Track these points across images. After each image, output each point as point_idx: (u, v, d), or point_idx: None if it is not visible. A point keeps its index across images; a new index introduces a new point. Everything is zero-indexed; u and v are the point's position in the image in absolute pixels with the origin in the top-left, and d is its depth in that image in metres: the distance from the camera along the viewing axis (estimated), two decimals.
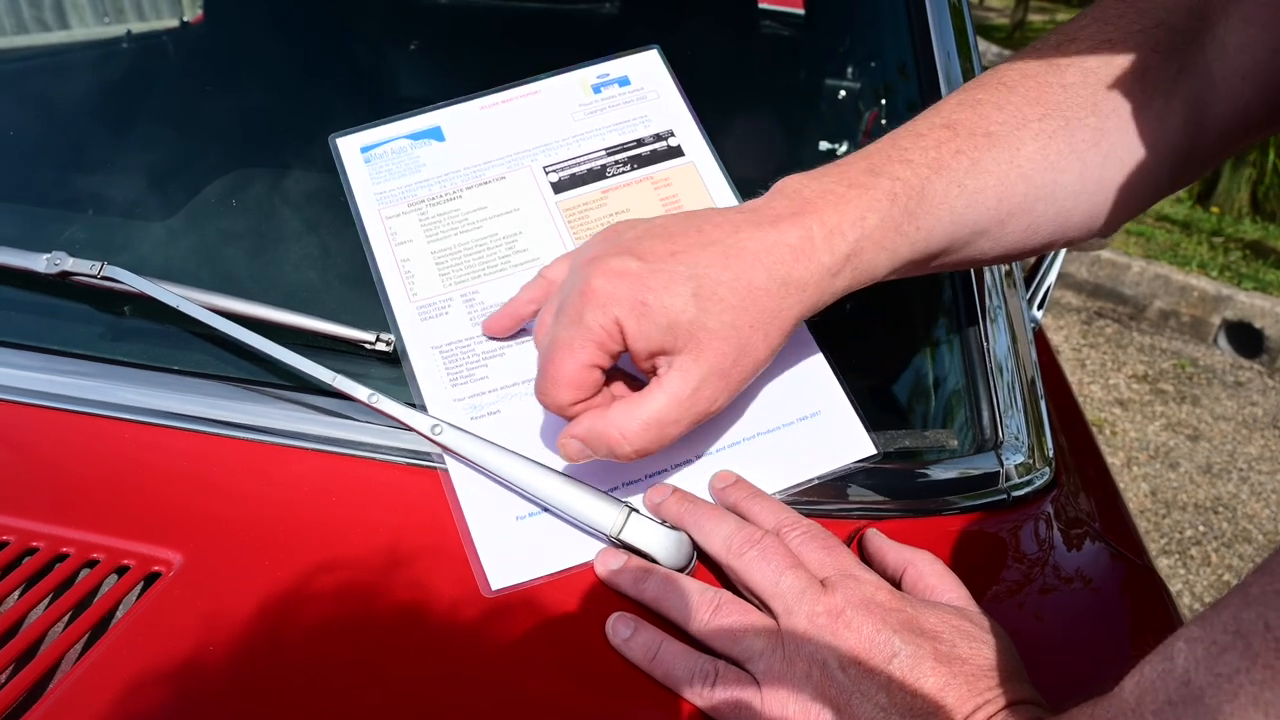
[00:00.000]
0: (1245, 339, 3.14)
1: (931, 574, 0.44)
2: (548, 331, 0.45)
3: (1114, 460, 2.51)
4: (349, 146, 0.61)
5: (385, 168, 0.60)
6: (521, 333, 0.54)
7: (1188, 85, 0.47)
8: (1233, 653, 0.25)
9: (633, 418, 0.43)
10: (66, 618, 0.43)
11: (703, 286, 0.42)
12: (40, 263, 0.57)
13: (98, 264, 0.57)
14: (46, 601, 0.43)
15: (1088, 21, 0.50)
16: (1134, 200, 0.50)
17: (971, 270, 0.63)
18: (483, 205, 0.58)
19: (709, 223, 0.45)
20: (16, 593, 0.43)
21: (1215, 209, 4.12)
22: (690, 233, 0.44)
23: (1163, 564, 2.14)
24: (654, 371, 0.44)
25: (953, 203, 0.47)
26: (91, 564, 0.45)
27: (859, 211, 0.45)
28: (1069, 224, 0.50)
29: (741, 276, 0.43)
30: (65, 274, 0.57)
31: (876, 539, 0.47)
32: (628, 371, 0.48)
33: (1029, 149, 0.47)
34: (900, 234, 0.46)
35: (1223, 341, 3.19)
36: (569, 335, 0.43)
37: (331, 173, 0.60)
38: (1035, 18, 7.85)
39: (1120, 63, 0.47)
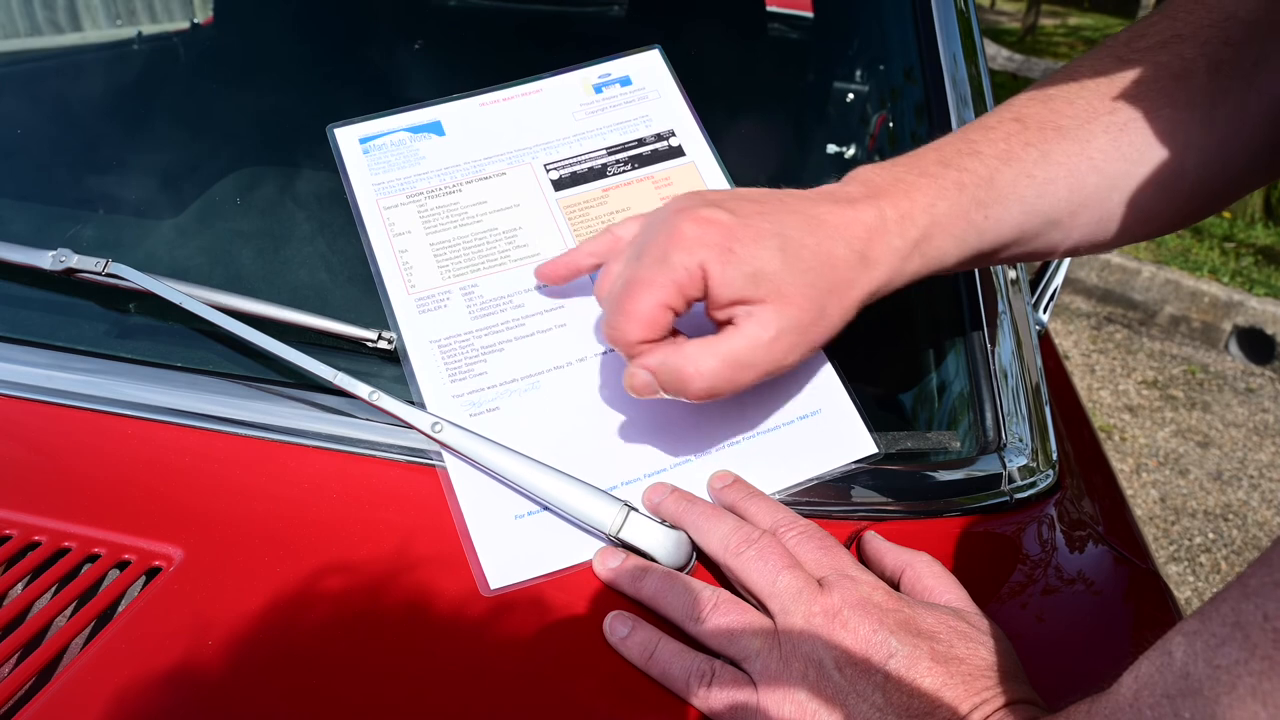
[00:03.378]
0: (1256, 345, 3.12)
1: (929, 575, 0.44)
2: (617, 276, 0.46)
3: (1123, 466, 2.49)
4: (347, 137, 0.61)
5: (384, 159, 0.60)
6: (520, 327, 0.54)
7: (1267, 76, 0.47)
8: (1231, 645, 0.25)
9: (710, 353, 0.43)
10: (70, 610, 0.43)
11: (788, 244, 0.44)
12: (46, 259, 0.58)
13: (102, 261, 0.57)
14: (50, 594, 0.43)
15: (1156, 18, 0.50)
16: (1221, 193, 0.50)
17: (976, 272, 0.63)
18: (482, 200, 0.58)
19: (790, 196, 0.47)
20: (20, 585, 0.44)
21: (1227, 214, 4.09)
22: (773, 200, 0.46)
23: (1172, 571, 2.13)
24: (729, 322, 0.45)
25: (1022, 192, 0.47)
26: (93, 558, 0.45)
27: (928, 199, 0.46)
28: (1147, 215, 0.50)
29: (823, 243, 0.44)
30: (70, 271, 0.58)
31: (875, 541, 0.47)
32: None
33: (1100, 141, 0.47)
34: (969, 222, 0.47)
35: (1234, 347, 3.17)
36: (650, 273, 0.44)
37: (337, 173, 0.60)
38: (1047, 21, 7.82)
39: (1192, 55, 0.47)
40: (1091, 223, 0.49)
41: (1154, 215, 0.50)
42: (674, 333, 0.47)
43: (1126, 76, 0.48)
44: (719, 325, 0.46)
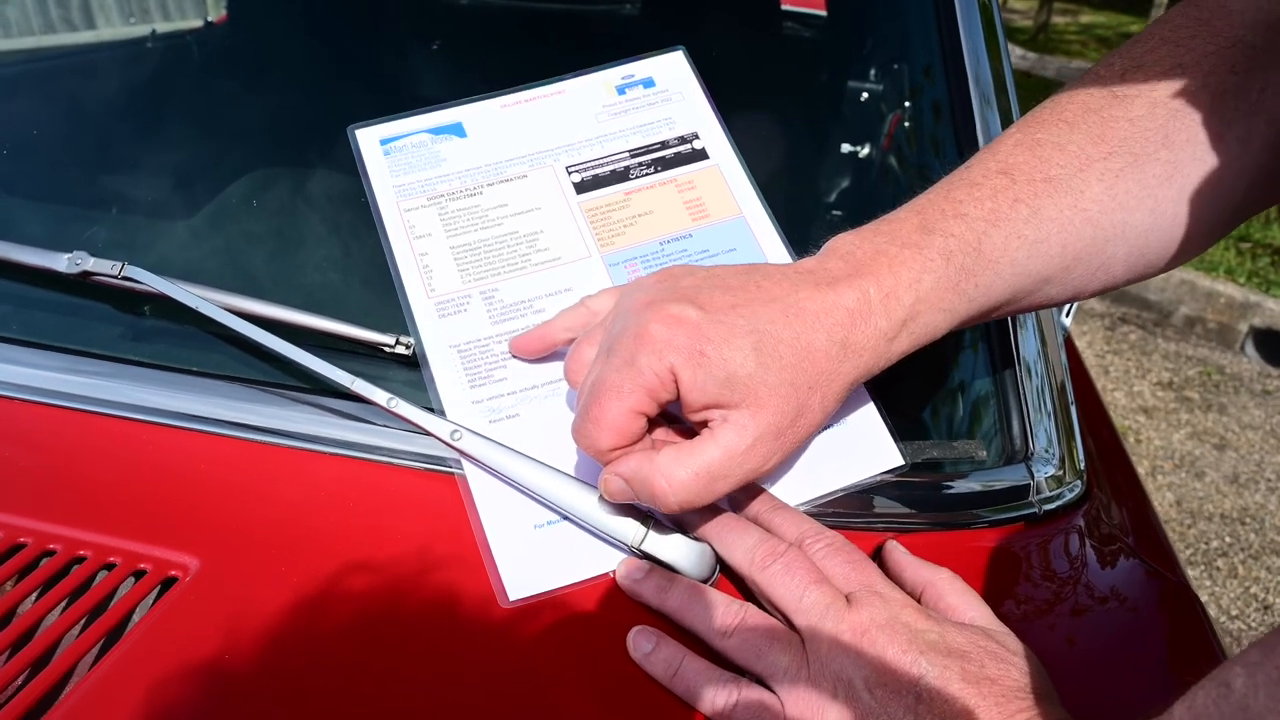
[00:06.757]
0: (1273, 346, 3.09)
1: (952, 593, 0.43)
2: (590, 369, 0.44)
3: (1138, 469, 2.47)
4: (368, 138, 0.60)
5: (405, 161, 0.59)
6: None
7: (1274, 102, 0.45)
8: None
9: (682, 466, 0.41)
10: (83, 622, 0.42)
11: (763, 341, 0.41)
12: (61, 262, 0.57)
13: (118, 264, 0.57)
14: (63, 605, 0.43)
15: (1155, 44, 0.47)
16: (1216, 228, 0.48)
17: None
18: (503, 202, 0.58)
19: (768, 279, 0.43)
20: (33, 596, 0.43)
21: None
22: (749, 287, 0.43)
23: (1188, 575, 2.11)
24: (704, 424, 0.43)
25: (1013, 254, 0.45)
26: (108, 567, 0.45)
27: (914, 274, 0.43)
28: (1144, 260, 0.48)
29: (801, 336, 0.41)
30: (86, 274, 0.57)
31: (896, 553, 0.46)
32: (673, 415, 0.46)
33: (1094, 190, 0.45)
34: (958, 293, 0.44)
35: (1250, 349, 3.14)
36: (619, 378, 0.41)
37: (354, 174, 0.60)
38: (1059, 19, 7.78)
39: (1193, 89, 0.45)
40: (1087, 273, 0.47)
41: (1154, 259, 0.48)
42: (653, 426, 0.45)
43: (1120, 116, 0.45)
44: (695, 426, 0.44)
